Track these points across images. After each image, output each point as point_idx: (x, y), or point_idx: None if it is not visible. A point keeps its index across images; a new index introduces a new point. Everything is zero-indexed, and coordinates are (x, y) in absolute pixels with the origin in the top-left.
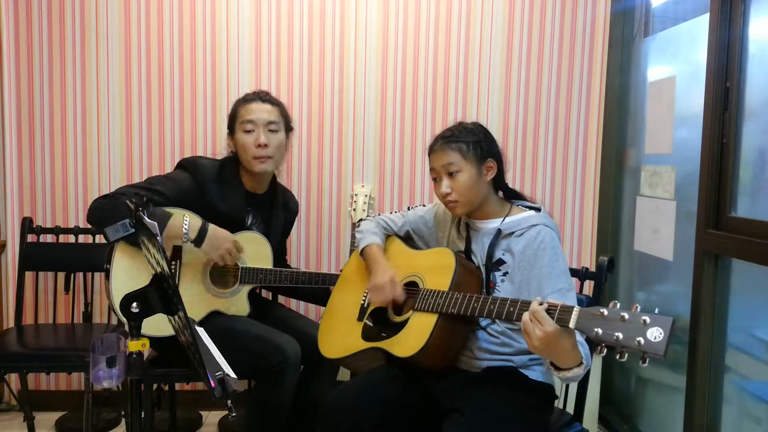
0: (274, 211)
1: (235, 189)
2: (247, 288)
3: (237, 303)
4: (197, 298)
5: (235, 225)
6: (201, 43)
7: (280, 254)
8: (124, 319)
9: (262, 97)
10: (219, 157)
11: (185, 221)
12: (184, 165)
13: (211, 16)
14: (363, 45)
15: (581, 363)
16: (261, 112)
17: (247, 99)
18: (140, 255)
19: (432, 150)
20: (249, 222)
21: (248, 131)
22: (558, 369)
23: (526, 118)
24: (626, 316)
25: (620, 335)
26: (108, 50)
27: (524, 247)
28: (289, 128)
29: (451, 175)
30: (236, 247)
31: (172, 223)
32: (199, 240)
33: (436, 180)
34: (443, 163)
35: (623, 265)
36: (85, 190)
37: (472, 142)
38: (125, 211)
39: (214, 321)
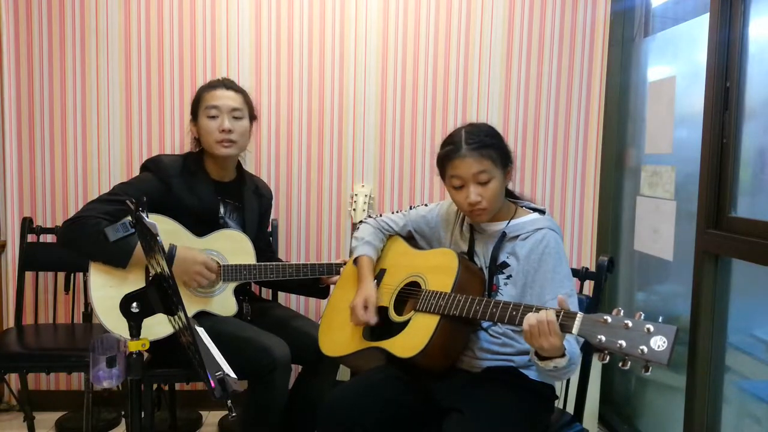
0: (246, 197)
1: (202, 180)
2: (231, 286)
3: (223, 302)
4: (183, 298)
5: (208, 217)
6: (201, 43)
7: (262, 244)
8: (107, 326)
9: (227, 84)
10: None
11: None
12: (147, 165)
13: (211, 16)
14: (363, 45)
15: (563, 354)
16: (225, 98)
17: (211, 85)
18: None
19: (455, 156)
20: (222, 212)
21: (212, 117)
22: (541, 358)
23: (526, 118)
24: (630, 323)
25: (623, 343)
26: (108, 50)
27: (529, 251)
28: (252, 116)
29: (481, 183)
30: (208, 267)
31: (139, 251)
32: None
33: (460, 187)
34: (474, 171)
35: (623, 265)
36: (85, 190)
37: (497, 146)
38: (92, 230)
39: (201, 323)
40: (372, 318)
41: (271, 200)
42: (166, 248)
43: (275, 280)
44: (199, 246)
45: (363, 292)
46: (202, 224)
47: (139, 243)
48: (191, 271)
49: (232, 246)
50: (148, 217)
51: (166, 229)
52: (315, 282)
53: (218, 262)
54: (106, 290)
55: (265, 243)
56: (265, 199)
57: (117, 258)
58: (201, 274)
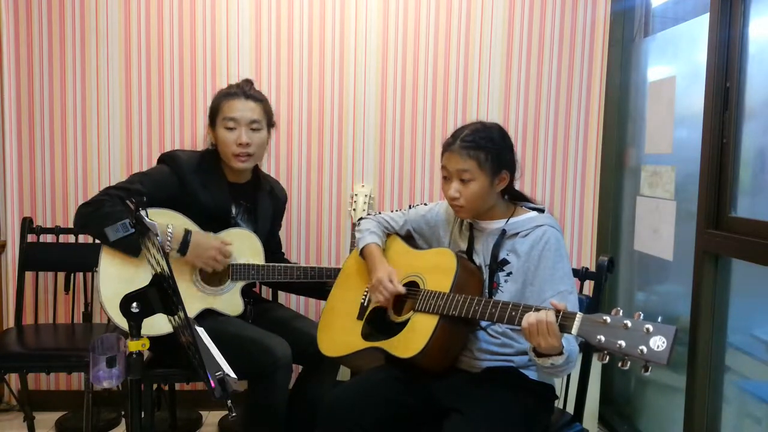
0: (260, 198)
1: (217, 179)
2: (239, 285)
3: (230, 300)
4: (187, 297)
5: (220, 216)
6: (201, 43)
7: (273, 246)
8: (115, 321)
9: (246, 92)
10: (199, 149)
11: (169, 230)
12: (164, 159)
13: (211, 16)
14: (363, 45)
15: (561, 353)
16: (244, 110)
17: (230, 93)
18: (125, 259)
19: (448, 149)
20: (234, 212)
21: (230, 128)
22: (539, 355)
23: (526, 118)
24: (629, 324)
25: (623, 343)
26: (108, 50)
27: (530, 247)
28: (271, 124)
29: (462, 181)
30: (222, 252)
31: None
32: (183, 249)
33: (446, 178)
34: (458, 168)
35: (623, 265)
36: (85, 190)
37: (491, 152)
38: (110, 214)
39: (203, 323)
40: (400, 288)
41: (285, 202)
42: (182, 234)
43: (282, 281)
44: None
45: (383, 269)
46: (213, 222)
47: (157, 225)
48: (206, 256)
49: (242, 245)
50: (148, 216)
51: (177, 224)
52: (320, 285)
53: (230, 252)
54: (117, 286)
55: (275, 245)
56: (279, 201)
57: (132, 246)
58: (215, 259)
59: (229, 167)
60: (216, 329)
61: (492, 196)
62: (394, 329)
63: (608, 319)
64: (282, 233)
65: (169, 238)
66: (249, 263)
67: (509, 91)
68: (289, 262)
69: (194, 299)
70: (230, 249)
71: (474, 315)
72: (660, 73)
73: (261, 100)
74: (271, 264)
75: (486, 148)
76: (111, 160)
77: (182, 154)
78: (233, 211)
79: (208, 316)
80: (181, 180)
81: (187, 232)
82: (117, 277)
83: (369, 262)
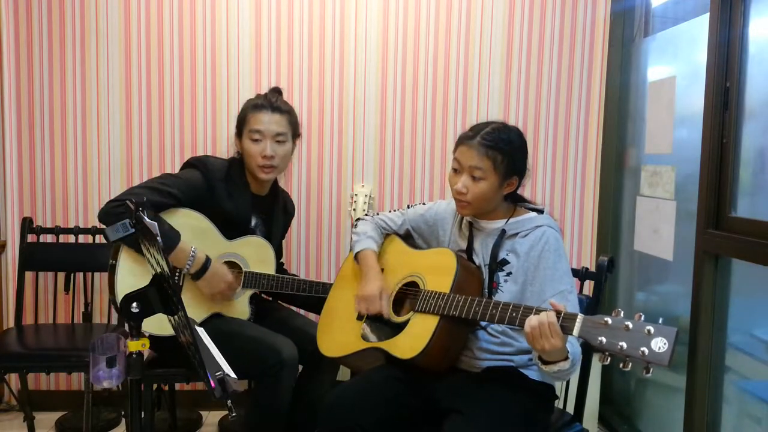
0: (276, 213)
1: (241, 189)
2: (249, 292)
3: (238, 306)
4: (200, 300)
5: (240, 225)
6: (201, 43)
7: (278, 257)
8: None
9: (273, 104)
10: (226, 157)
11: (192, 253)
12: (195, 164)
13: (211, 16)
14: (363, 45)
15: (567, 358)
16: (270, 123)
17: (257, 105)
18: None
19: (465, 142)
20: (253, 224)
21: (255, 140)
22: (545, 362)
23: (526, 118)
24: (630, 325)
25: (624, 345)
26: (108, 50)
27: (529, 248)
28: (296, 134)
29: (473, 177)
30: (232, 288)
31: (179, 251)
32: (198, 275)
33: (456, 171)
34: (471, 163)
35: (623, 265)
36: (85, 190)
37: (508, 155)
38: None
39: (210, 324)
40: (386, 308)
41: (293, 216)
42: (203, 261)
43: (287, 293)
44: (226, 248)
45: (376, 282)
46: (233, 230)
47: (182, 239)
48: (216, 288)
49: (256, 253)
50: (148, 217)
51: (200, 226)
52: (319, 301)
53: (241, 268)
54: (131, 278)
55: (278, 253)
56: (289, 216)
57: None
58: (222, 293)
59: (253, 178)
60: (221, 329)
61: (497, 198)
62: (394, 329)
63: (609, 320)
64: None
65: (189, 262)
66: (262, 273)
67: (509, 91)
68: (288, 273)
69: (205, 303)
70: (236, 286)
71: (474, 316)
72: (660, 73)
73: (287, 111)
74: (281, 276)
75: (503, 150)
76: (111, 160)
77: (214, 161)
78: (252, 222)
79: (216, 318)
80: (210, 186)
81: (207, 260)
82: (135, 273)
83: (363, 269)
